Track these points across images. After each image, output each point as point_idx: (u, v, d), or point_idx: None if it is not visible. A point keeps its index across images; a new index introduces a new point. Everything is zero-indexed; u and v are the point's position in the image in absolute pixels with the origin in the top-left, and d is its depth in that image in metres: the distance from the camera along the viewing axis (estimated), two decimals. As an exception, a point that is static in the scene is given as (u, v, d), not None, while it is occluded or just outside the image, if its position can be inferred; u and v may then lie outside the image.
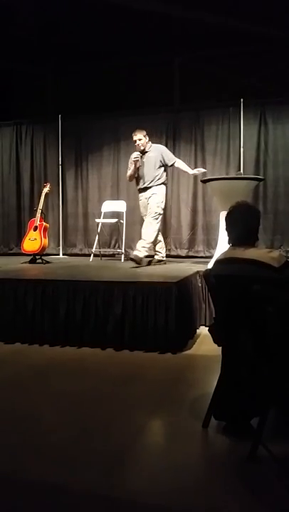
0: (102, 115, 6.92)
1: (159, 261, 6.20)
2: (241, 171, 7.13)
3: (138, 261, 5.71)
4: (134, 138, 6.01)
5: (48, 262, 6.67)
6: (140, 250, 5.78)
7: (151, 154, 5.97)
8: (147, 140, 6.05)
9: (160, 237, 6.22)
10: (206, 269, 2.73)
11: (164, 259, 6.31)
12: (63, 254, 8.26)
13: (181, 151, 7.69)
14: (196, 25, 6.95)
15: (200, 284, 4.99)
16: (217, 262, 2.68)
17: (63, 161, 8.32)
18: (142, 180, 6.00)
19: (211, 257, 6.18)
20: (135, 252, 5.81)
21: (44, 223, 6.89)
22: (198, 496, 2.02)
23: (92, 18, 7.02)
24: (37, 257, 6.69)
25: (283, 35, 7.08)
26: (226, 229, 2.66)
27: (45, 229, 6.84)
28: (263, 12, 6.53)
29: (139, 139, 5.97)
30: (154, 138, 7.77)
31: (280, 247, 7.01)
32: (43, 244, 6.68)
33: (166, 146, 7.73)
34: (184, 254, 7.63)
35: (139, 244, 5.85)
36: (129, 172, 6.06)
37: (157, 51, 7.89)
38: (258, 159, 7.33)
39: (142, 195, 6.06)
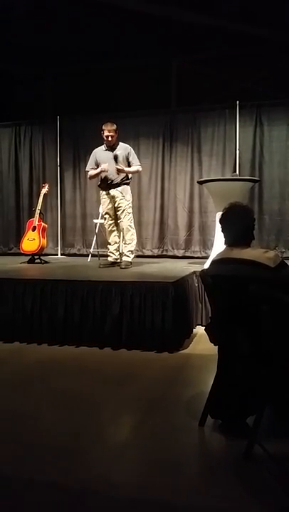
0: (99, 116, 6.97)
1: (113, 263, 6.05)
2: (237, 172, 7.18)
3: (129, 266, 5.78)
4: (106, 132, 5.72)
5: (46, 262, 6.70)
6: (128, 255, 5.87)
7: (119, 152, 5.76)
8: (117, 136, 5.82)
9: (117, 239, 6.07)
10: (203, 269, 2.76)
11: (118, 261, 6.05)
12: (62, 255, 8.29)
13: (177, 153, 7.75)
14: (193, 28, 7.00)
15: (196, 284, 5.03)
16: (213, 262, 2.71)
17: (62, 162, 8.35)
18: (106, 178, 5.77)
19: (207, 258, 6.22)
20: (125, 258, 5.87)
21: (43, 223, 6.92)
22: (194, 493, 2.05)
23: (91, 20, 7.05)
24: (35, 257, 6.72)
25: (279, 38, 7.13)
26: (221, 230, 2.68)
27: (43, 229, 6.88)
28: (259, 15, 6.58)
29: (112, 136, 5.73)
30: (151, 139, 7.86)
31: (275, 247, 7.08)
32: (41, 245, 6.71)
33: (163, 147, 7.84)
34: (180, 255, 7.68)
35: (125, 249, 5.90)
36: (93, 173, 5.83)
37: (155, 53, 7.94)
38: (254, 161, 7.38)
39: (107, 193, 5.83)
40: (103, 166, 5.71)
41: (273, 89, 7.42)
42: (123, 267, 5.74)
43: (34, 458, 2.35)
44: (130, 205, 5.85)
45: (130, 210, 5.85)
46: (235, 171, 7.23)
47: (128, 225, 5.82)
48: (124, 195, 5.76)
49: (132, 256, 5.97)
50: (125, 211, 5.77)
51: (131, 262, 5.87)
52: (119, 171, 5.69)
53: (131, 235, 5.86)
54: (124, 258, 5.89)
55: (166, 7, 6.71)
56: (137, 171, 5.96)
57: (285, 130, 7.23)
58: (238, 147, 7.39)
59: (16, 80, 9.05)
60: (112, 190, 5.79)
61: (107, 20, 6.99)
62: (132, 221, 5.92)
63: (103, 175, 5.78)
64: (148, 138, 7.87)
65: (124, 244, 5.96)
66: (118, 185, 5.77)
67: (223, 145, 7.52)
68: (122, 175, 5.76)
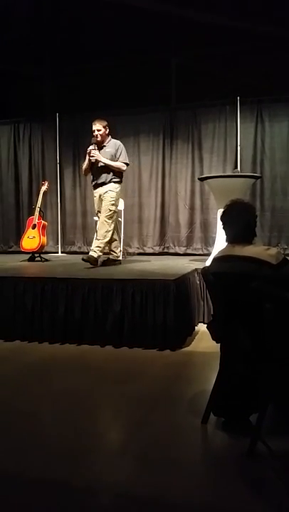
0: (99, 113, 6.93)
1: (114, 261, 5.95)
2: (238, 168, 7.14)
3: (92, 261, 5.52)
4: (93, 128, 5.65)
5: (46, 260, 6.68)
6: (95, 251, 5.60)
7: (108, 149, 5.67)
8: (107, 132, 5.72)
9: (115, 236, 5.98)
10: (204, 267, 2.75)
11: (120, 258, 6.05)
12: (62, 252, 8.28)
13: (178, 149, 7.73)
14: (193, 25, 6.98)
15: (198, 282, 5.02)
16: (215, 259, 2.69)
17: (61, 159, 8.34)
18: (95, 176, 5.73)
19: (208, 255, 6.21)
20: (90, 253, 5.65)
21: (43, 221, 6.90)
22: (196, 492, 2.05)
23: (90, 17, 7.04)
24: (36, 255, 6.71)
25: (279, 34, 7.11)
26: (223, 227, 2.67)
27: (43, 227, 6.85)
28: (260, 11, 6.55)
29: (98, 130, 5.63)
30: (151, 136, 7.84)
31: (277, 244, 7.06)
32: (41, 242, 6.69)
33: (164, 144, 7.81)
34: (182, 252, 7.67)
35: (94, 245, 5.70)
36: (84, 165, 5.83)
37: (154, 50, 7.91)
38: (255, 157, 7.36)
39: (96, 192, 5.77)
40: (89, 150, 5.65)
41: (274, 84, 7.38)
42: (85, 258, 5.53)
43: (35, 456, 2.34)
44: (113, 202, 5.65)
45: (112, 208, 5.65)
46: (236, 168, 7.19)
47: (104, 220, 5.62)
48: (108, 192, 5.64)
49: (99, 253, 5.67)
50: (106, 206, 5.62)
51: (95, 258, 5.56)
52: (97, 158, 5.58)
53: (105, 232, 5.62)
54: (91, 253, 5.63)
55: (166, 3, 6.68)
56: (118, 168, 5.69)
57: (286, 126, 7.21)
58: (239, 143, 7.37)
59: (14, 76, 9.02)
60: (99, 188, 5.73)
61: (107, 17, 6.97)
62: (111, 218, 5.67)
63: (92, 159, 5.65)
64: (148, 135, 7.85)
65: (96, 238, 5.75)
66: (105, 184, 5.68)
67: (224, 141, 7.50)
68: (110, 175, 5.66)
